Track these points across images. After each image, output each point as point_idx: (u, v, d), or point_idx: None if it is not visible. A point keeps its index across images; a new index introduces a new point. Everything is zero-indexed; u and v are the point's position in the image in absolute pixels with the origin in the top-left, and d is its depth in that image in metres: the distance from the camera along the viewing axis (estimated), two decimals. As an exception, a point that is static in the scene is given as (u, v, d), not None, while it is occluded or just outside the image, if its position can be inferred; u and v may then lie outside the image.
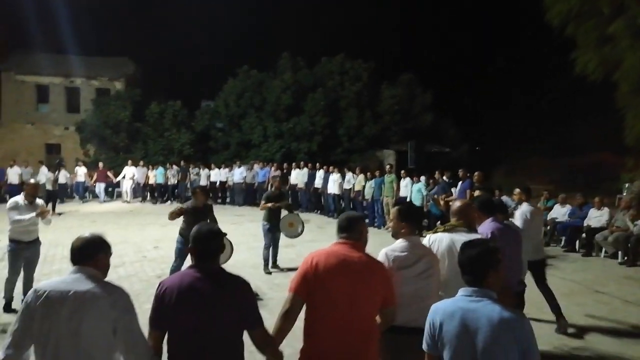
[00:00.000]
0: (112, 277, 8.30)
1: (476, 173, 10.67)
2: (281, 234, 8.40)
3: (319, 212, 15.67)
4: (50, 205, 14.40)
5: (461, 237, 3.11)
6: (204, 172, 18.51)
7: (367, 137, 21.71)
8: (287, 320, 2.57)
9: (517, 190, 6.28)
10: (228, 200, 18.72)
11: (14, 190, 15.16)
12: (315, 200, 16.07)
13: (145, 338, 2.39)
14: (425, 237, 3.44)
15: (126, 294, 2.41)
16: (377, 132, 21.81)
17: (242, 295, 2.47)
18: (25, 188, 6.12)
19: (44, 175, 18.30)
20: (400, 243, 3.08)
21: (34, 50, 26.90)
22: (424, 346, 2.29)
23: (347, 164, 16.79)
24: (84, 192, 19.01)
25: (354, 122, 21.74)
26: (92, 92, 26.22)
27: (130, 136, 22.72)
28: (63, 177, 18.16)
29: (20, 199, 5.95)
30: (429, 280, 2.98)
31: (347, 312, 2.54)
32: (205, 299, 2.37)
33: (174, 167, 18.96)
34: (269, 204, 8.08)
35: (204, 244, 2.51)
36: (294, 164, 17.33)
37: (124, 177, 18.85)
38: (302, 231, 8.38)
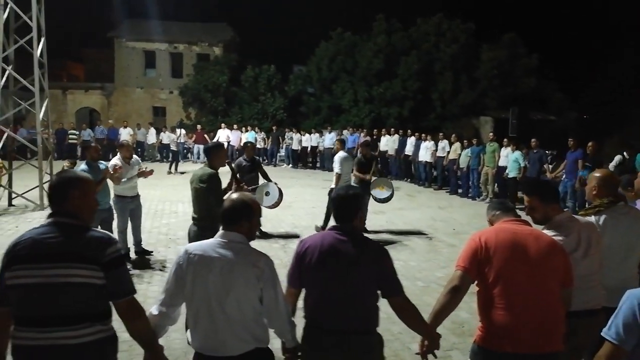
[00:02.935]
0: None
1: (590, 143, 9.79)
2: (370, 198, 8.45)
3: (409, 180, 15.43)
4: (173, 165, 16.57)
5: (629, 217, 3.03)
6: (296, 137, 18.95)
7: (462, 103, 20.75)
8: (454, 297, 2.50)
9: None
10: (318, 165, 19.05)
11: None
12: (405, 168, 15.81)
13: (287, 305, 2.46)
14: (589, 216, 3.15)
15: (270, 262, 2.39)
16: (474, 97, 20.74)
17: (381, 259, 2.49)
18: (119, 150, 6.68)
19: (152, 136, 19.93)
20: (555, 225, 2.84)
21: (142, 18, 28.78)
22: (613, 337, 1.94)
23: (439, 131, 16.22)
24: (184, 153, 20.25)
25: (448, 87, 20.84)
26: (194, 58, 27.58)
27: (228, 100, 23.72)
28: (183, 137, 19.67)
29: (118, 160, 6.48)
30: (591, 258, 2.83)
31: (526, 289, 2.42)
32: (344, 260, 2.43)
33: (262, 132, 19.61)
34: (366, 176, 8.16)
35: (344, 205, 2.58)
36: (383, 130, 17.10)
37: (218, 140, 19.83)
38: (391, 196, 8.31)
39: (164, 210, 9.88)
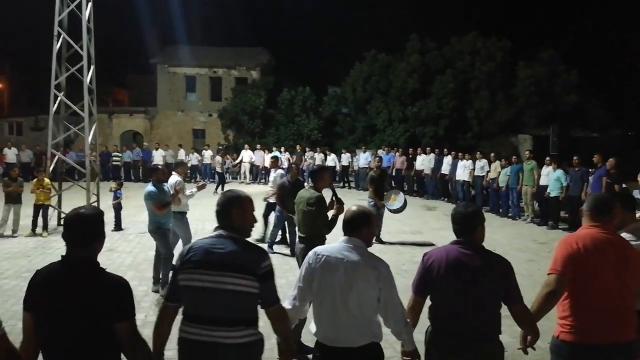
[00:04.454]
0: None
1: (610, 160, 9.91)
2: (385, 209, 9.04)
3: (446, 199, 15.23)
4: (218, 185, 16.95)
5: None
6: (318, 156, 19.11)
7: (499, 120, 20.46)
8: (551, 301, 2.71)
9: None
10: (353, 184, 19.10)
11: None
12: (442, 187, 15.63)
13: (402, 306, 2.65)
14: None
15: (387, 266, 2.64)
16: (511, 115, 20.41)
17: (504, 271, 2.63)
18: (178, 168, 7.01)
19: (182, 157, 20.45)
20: (631, 229, 3.06)
21: (183, 44, 29.98)
22: None
23: (476, 150, 16.00)
24: (211, 173, 20.47)
25: (484, 105, 20.63)
26: (232, 81, 28.41)
27: (265, 122, 24.23)
28: (209, 159, 20.17)
29: (178, 177, 6.77)
30: None
31: (608, 289, 2.66)
32: (469, 272, 2.60)
33: (287, 152, 19.81)
34: (380, 202, 8.87)
35: (463, 221, 2.73)
36: (419, 149, 17.04)
37: (241, 161, 20.20)
38: (404, 204, 8.73)
39: (204, 229, 10.07)
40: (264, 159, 19.91)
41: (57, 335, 2.12)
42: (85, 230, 2.19)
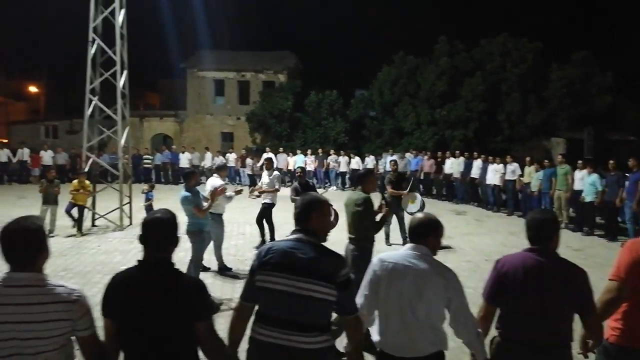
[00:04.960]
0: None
1: (630, 159, 9.65)
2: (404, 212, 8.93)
3: (476, 204, 14.95)
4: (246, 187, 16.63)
5: None
6: (343, 159, 19.05)
7: (531, 124, 19.99)
8: (612, 307, 2.68)
9: None
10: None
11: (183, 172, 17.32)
12: (471, 191, 15.35)
13: (472, 314, 2.59)
14: None
15: (455, 275, 2.60)
16: (543, 118, 19.92)
17: (579, 280, 2.57)
18: (221, 171, 7.31)
19: (209, 159, 20.63)
20: None
21: (211, 49, 30.42)
22: None
23: (507, 153, 15.65)
24: (235, 176, 20.72)
25: (516, 108, 20.19)
26: (260, 85, 28.64)
27: (292, 125, 24.32)
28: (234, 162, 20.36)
29: (220, 180, 6.92)
30: None
31: None
32: (544, 280, 2.55)
33: (312, 156, 19.74)
34: (401, 193, 8.82)
35: (540, 228, 2.67)
36: (448, 152, 16.79)
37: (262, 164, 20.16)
38: (422, 206, 8.64)
39: (232, 232, 10.15)
40: (287, 162, 19.95)
41: (138, 339, 2.17)
42: (161, 234, 2.25)
